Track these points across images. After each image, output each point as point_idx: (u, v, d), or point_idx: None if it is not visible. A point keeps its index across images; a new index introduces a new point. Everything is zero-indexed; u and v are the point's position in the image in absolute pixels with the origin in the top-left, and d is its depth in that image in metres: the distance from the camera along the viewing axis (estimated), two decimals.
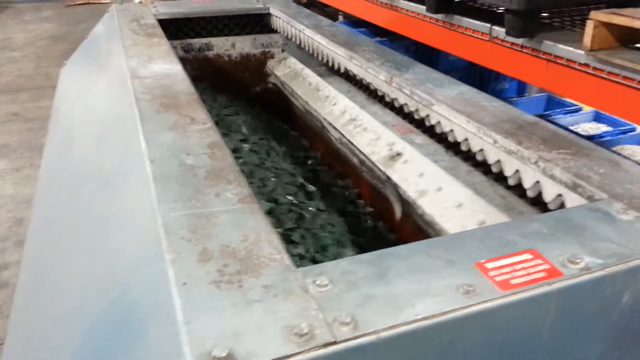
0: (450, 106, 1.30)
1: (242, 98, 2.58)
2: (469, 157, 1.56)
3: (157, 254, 0.81)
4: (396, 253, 0.79)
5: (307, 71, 2.32)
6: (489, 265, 0.76)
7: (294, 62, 2.46)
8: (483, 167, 1.51)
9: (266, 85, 2.64)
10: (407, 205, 1.58)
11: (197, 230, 0.85)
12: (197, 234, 0.84)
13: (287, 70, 2.45)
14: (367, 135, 1.79)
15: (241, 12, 2.53)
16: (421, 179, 1.52)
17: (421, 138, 1.71)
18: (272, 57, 2.60)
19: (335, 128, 1.94)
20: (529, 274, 0.74)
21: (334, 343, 0.64)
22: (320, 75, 2.25)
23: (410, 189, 1.51)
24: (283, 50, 2.61)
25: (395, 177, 1.58)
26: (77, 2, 9.32)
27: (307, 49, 2.21)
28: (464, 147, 1.30)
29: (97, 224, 1.05)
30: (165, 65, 1.65)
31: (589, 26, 1.73)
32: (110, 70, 1.79)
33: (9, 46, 7.22)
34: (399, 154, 1.66)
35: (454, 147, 1.63)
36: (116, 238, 0.96)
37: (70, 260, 1.03)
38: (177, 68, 1.63)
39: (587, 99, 1.88)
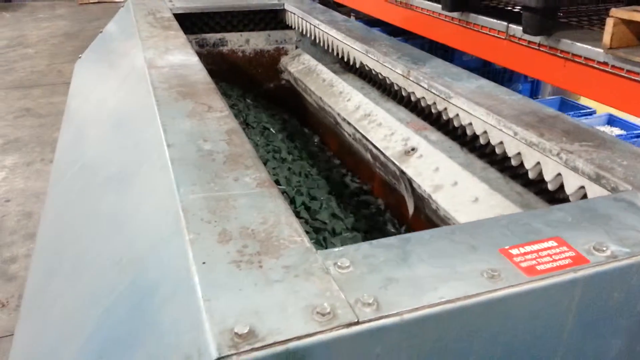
0: (470, 99, 1.29)
1: (256, 94, 2.58)
2: (483, 154, 1.55)
3: (177, 234, 0.80)
4: (418, 238, 0.78)
5: (321, 67, 2.32)
6: (514, 251, 0.74)
7: (307, 59, 2.45)
8: (498, 165, 1.50)
9: (279, 82, 2.64)
10: (421, 200, 1.57)
11: (216, 212, 0.84)
12: (216, 215, 0.83)
13: (301, 67, 2.45)
14: (382, 130, 1.78)
15: (256, 8, 2.54)
16: (436, 173, 1.51)
17: (436, 135, 1.70)
18: (285, 53, 2.60)
19: (349, 123, 1.93)
20: (554, 260, 0.73)
21: (357, 323, 0.62)
22: (334, 72, 2.25)
23: (425, 184, 1.50)
24: (297, 47, 2.61)
25: (409, 172, 1.57)
26: (91, 1, 9.39)
27: (322, 44, 2.20)
28: (482, 140, 1.28)
29: (115, 207, 1.05)
30: (182, 57, 1.65)
31: (609, 24, 1.71)
32: (127, 61, 1.79)
33: (23, 43, 7.28)
34: (413, 149, 1.64)
35: (468, 144, 1.62)
36: (135, 220, 0.96)
37: (88, 242, 1.02)
38: (194, 59, 1.63)
39: (605, 98, 1.85)
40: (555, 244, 0.76)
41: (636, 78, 1.71)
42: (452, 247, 0.75)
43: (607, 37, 1.72)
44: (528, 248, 0.75)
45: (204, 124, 1.17)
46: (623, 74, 1.74)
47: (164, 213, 0.88)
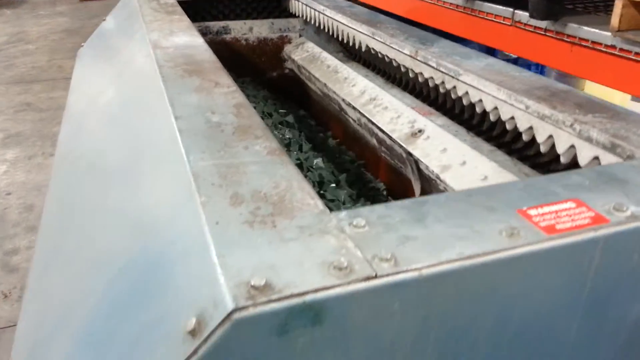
0: (480, 75, 1.28)
1: (259, 82, 2.57)
2: (491, 137, 1.54)
3: (188, 198, 0.79)
4: (434, 200, 0.76)
5: (325, 55, 2.31)
6: (532, 212, 0.73)
7: (311, 47, 2.44)
8: (505, 147, 1.49)
9: (283, 70, 2.63)
10: (428, 182, 1.56)
11: (227, 177, 0.83)
12: (227, 180, 0.82)
13: (305, 54, 2.43)
14: (388, 113, 1.77)
15: None
16: (444, 154, 1.49)
17: (442, 119, 1.69)
18: (289, 42, 2.59)
19: (354, 108, 1.92)
20: (573, 220, 0.71)
21: (375, 277, 0.61)
22: (338, 60, 2.24)
23: (432, 164, 1.48)
24: (300, 36, 2.60)
25: (417, 153, 1.56)
26: None
27: (326, 30, 2.19)
28: (492, 117, 1.27)
29: (123, 179, 1.04)
30: (187, 38, 1.64)
31: (617, 5, 1.70)
32: (131, 43, 1.78)
33: (24, 39, 7.27)
34: (420, 131, 1.63)
35: (475, 128, 1.61)
36: (144, 189, 0.94)
37: (97, 214, 1.01)
38: (199, 41, 1.62)
39: (613, 82, 1.84)
40: (573, 205, 0.75)
41: None
42: (469, 208, 0.74)
43: (615, 19, 1.71)
44: (546, 209, 0.74)
45: (211, 98, 1.15)
46: (631, 57, 1.73)
47: (175, 180, 0.87)
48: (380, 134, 1.78)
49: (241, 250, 0.65)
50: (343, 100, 2.00)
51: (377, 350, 0.63)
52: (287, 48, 2.58)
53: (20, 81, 5.82)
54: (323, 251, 0.65)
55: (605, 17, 2.00)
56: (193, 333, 0.57)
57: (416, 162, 1.58)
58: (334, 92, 2.06)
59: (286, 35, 2.58)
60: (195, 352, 0.56)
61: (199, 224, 0.71)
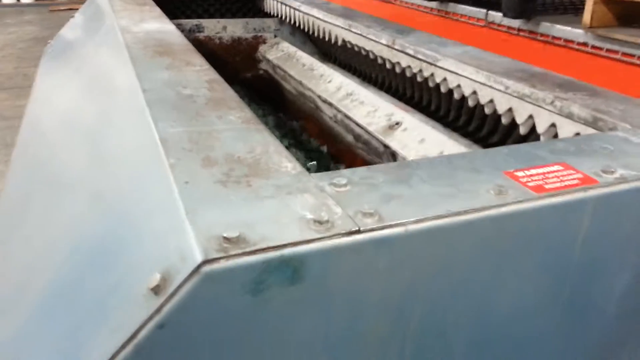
0: (458, 60, 1.26)
1: (232, 83, 2.52)
2: (467, 133, 1.53)
3: (155, 161, 0.73)
4: (416, 164, 0.73)
5: (301, 53, 2.28)
6: (519, 174, 0.70)
7: (287, 46, 2.41)
8: (483, 142, 1.47)
9: (257, 71, 2.59)
10: None
11: (199, 142, 0.77)
12: (199, 145, 0.76)
13: (280, 54, 2.40)
14: (365, 108, 1.74)
15: None
16: (422, 145, 1.47)
17: (418, 116, 1.67)
18: (264, 42, 2.55)
19: (330, 104, 1.89)
20: (562, 181, 0.69)
21: (358, 232, 0.57)
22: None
23: (410, 155, 1.45)
24: (275, 36, 2.57)
25: (394, 145, 1.53)
26: (62, 8, 9.21)
27: (302, 26, 2.16)
28: (471, 102, 1.25)
29: (88, 147, 0.97)
30: (158, 25, 1.59)
31: (589, 3, 1.73)
32: (99, 33, 1.71)
33: None
34: (397, 123, 1.61)
35: (451, 124, 1.60)
36: (110, 159, 0.88)
37: (60, 175, 0.94)
38: (171, 27, 1.56)
39: (586, 78, 1.86)
40: (561, 167, 0.72)
41: (616, 57, 1.72)
42: (453, 170, 0.71)
43: (587, 16, 1.74)
44: (534, 171, 0.71)
45: (182, 75, 1.10)
46: (602, 54, 1.75)
47: (142, 146, 0.81)
48: (357, 129, 1.75)
49: (213, 206, 0.60)
50: (319, 97, 1.97)
51: (360, 313, 0.59)
52: (262, 48, 2.54)
53: None
54: (302, 207, 0.60)
55: (575, 17, 2.03)
56: (156, 289, 0.51)
57: (393, 154, 1.56)
58: (310, 90, 2.03)
59: (261, 36, 2.54)
60: (159, 310, 0.51)
61: (166, 183, 0.65)
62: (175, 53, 1.27)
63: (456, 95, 1.30)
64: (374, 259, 0.58)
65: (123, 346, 0.50)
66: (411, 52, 1.41)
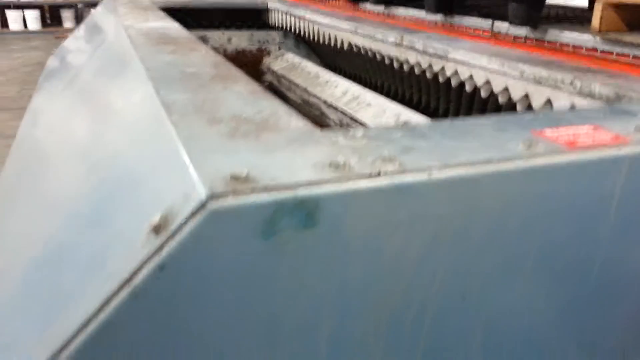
0: (469, 50, 1.23)
1: None
2: None
3: (158, 120, 0.68)
4: (436, 124, 0.68)
5: (306, 63, 2.26)
6: (549, 133, 0.65)
7: (291, 57, 2.40)
8: None
9: (262, 83, 2.57)
10: None
11: (204, 106, 0.73)
12: (204, 108, 0.72)
13: (285, 64, 2.39)
14: (372, 109, 1.70)
15: (239, 7, 2.50)
16: None
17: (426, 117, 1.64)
18: (268, 54, 2.55)
19: (335, 108, 1.86)
20: (594, 139, 0.64)
21: (378, 175, 0.52)
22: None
23: None
24: (280, 49, 2.56)
25: None
26: (67, 35, 9.34)
27: (307, 35, 2.15)
28: (484, 93, 1.21)
29: (91, 115, 0.93)
30: (163, 23, 1.57)
31: (597, 8, 1.71)
32: (102, 33, 1.69)
33: None
34: (406, 124, 1.57)
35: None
36: (112, 119, 0.84)
37: (64, 136, 0.89)
38: (175, 25, 1.55)
39: None
40: (591, 128, 0.67)
41: (626, 60, 1.69)
42: (477, 128, 0.66)
43: (596, 21, 1.71)
44: (563, 131, 0.66)
45: (187, 58, 1.07)
46: (613, 57, 1.73)
47: (142, 110, 0.77)
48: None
49: (219, 153, 0.55)
50: (324, 102, 1.94)
51: (377, 266, 0.53)
52: (267, 60, 2.53)
53: None
54: (316, 154, 0.56)
55: (582, 26, 2.01)
56: (157, 229, 0.46)
57: None
58: (315, 96, 2.00)
59: (265, 48, 2.54)
60: (159, 250, 0.45)
61: (169, 137, 0.61)
62: (180, 43, 1.24)
63: (468, 88, 1.27)
64: (394, 207, 0.52)
65: (118, 290, 0.45)
66: (420, 47, 1.39)
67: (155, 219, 0.47)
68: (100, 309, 0.44)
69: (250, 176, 0.49)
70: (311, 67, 2.19)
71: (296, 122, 0.66)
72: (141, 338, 0.46)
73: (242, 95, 0.80)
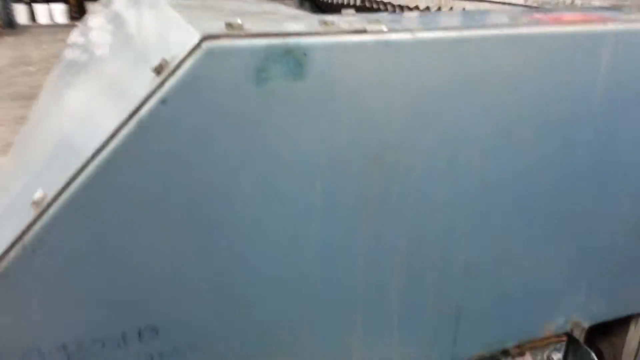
0: None
1: None
2: None
3: (163, 14, 0.73)
4: (422, 13, 0.71)
5: None
6: (537, 15, 0.68)
7: None
8: None
9: None
10: None
11: (207, 5, 0.78)
12: (206, 5, 0.77)
13: None
14: None
15: None
16: None
17: None
18: None
19: None
20: (580, 17, 0.66)
21: (364, 31, 0.55)
22: None
23: None
24: None
25: None
26: None
27: None
28: None
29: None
30: None
31: None
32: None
33: (24, 62, 7.35)
34: None
35: None
36: (129, 25, 0.89)
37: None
38: None
39: None
40: (579, 14, 0.70)
41: None
42: (465, 14, 0.69)
43: None
44: (551, 15, 0.69)
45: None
46: None
47: (149, 8, 0.82)
48: None
49: (215, 20, 0.58)
50: None
51: (366, 120, 0.57)
52: None
53: (18, 98, 5.84)
54: (307, 19, 0.59)
55: None
56: (159, 69, 0.51)
57: None
58: None
59: None
60: (161, 85, 0.50)
61: (174, 17, 0.65)
62: None
63: None
64: (380, 63, 0.56)
65: (126, 121, 0.49)
66: None
67: (157, 62, 0.51)
68: (112, 136, 0.49)
69: (244, 25, 0.53)
70: None
71: (294, 12, 0.71)
72: (145, 169, 0.51)
73: (246, 2, 0.85)
